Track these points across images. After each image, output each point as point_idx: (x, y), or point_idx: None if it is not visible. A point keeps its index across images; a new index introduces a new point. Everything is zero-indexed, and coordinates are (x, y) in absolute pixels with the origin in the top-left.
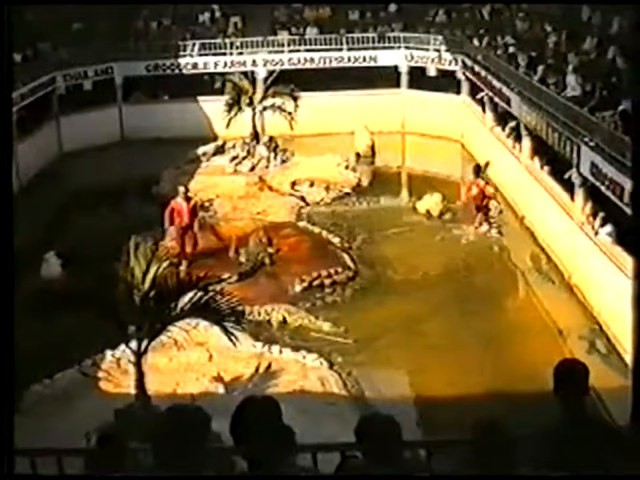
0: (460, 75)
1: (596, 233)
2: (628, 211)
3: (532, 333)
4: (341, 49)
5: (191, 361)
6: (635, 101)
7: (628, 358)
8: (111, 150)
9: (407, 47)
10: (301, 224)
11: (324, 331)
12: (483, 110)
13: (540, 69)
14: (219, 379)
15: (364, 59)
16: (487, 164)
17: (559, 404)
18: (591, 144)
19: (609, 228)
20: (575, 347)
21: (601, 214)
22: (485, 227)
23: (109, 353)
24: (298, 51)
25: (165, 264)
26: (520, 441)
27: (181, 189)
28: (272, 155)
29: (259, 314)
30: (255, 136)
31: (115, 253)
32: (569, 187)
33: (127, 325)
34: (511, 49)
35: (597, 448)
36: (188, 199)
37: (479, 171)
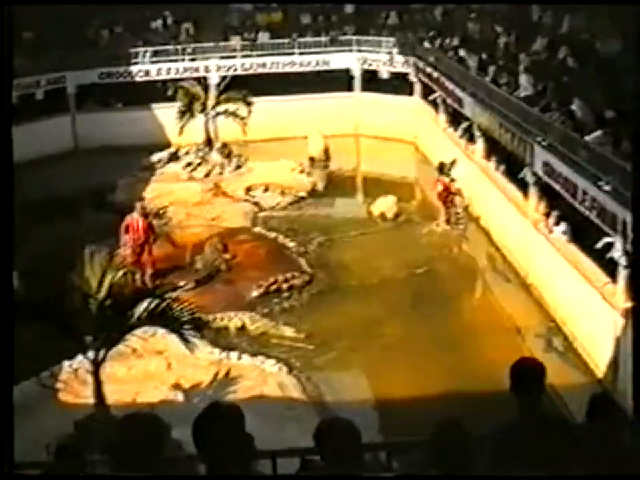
0: (412, 77)
1: (550, 232)
2: (581, 209)
3: (490, 333)
4: (292, 53)
5: (150, 370)
6: (638, 109)
7: (585, 355)
8: (65, 159)
9: (359, 50)
10: (257, 229)
11: (286, 337)
12: (436, 111)
13: (491, 69)
14: (178, 386)
15: (316, 63)
16: (452, 162)
17: (517, 402)
18: (544, 143)
19: (563, 226)
20: (532, 346)
21: (555, 212)
22: (442, 222)
23: (66, 363)
24: (250, 56)
25: (120, 272)
26: (479, 440)
27: (138, 204)
28: (226, 160)
29: (222, 319)
30: (209, 142)
31: (71, 263)
32: (522, 187)
33: (84, 334)
34: (462, 51)
35: (554, 444)
36: (145, 215)
37: (442, 168)
